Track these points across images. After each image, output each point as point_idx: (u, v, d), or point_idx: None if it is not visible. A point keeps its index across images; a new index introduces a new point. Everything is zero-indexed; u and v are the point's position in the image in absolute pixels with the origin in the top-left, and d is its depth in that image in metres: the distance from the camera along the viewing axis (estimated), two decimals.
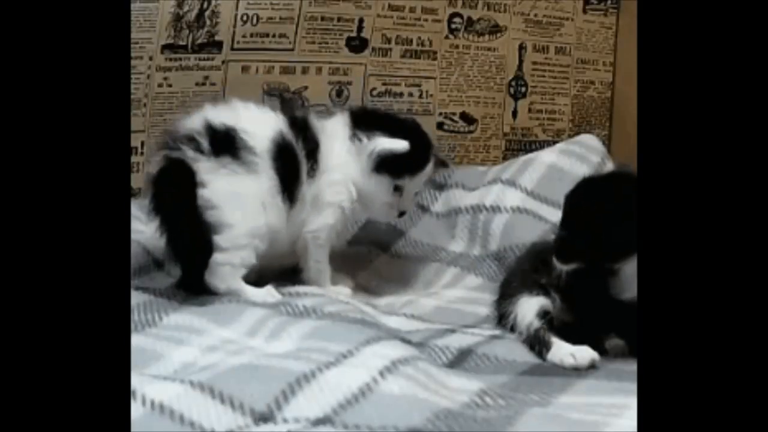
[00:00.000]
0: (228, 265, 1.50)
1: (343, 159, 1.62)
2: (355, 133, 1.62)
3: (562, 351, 1.34)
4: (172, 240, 1.50)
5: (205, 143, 1.50)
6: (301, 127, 1.60)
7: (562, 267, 1.35)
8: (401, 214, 1.69)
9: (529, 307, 1.41)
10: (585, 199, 1.37)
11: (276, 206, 1.54)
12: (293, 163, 1.57)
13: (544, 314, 1.40)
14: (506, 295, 1.48)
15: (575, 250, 1.34)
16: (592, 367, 1.32)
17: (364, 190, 1.63)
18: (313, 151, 1.59)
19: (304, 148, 1.58)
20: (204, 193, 1.49)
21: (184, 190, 1.48)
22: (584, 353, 1.33)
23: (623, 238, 1.26)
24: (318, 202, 1.61)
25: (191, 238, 1.49)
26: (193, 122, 1.53)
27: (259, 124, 1.56)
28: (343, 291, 1.63)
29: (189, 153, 1.49)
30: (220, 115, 1.55)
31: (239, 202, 1.50)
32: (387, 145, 1.60)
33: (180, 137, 1.51)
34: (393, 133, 1.62)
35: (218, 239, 1.49)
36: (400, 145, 1.60)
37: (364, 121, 1.64)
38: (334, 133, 1.63)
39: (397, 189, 1.64)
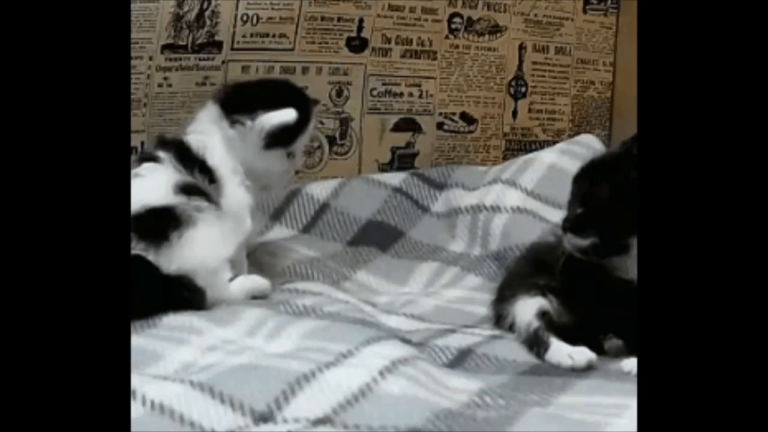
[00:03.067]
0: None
1: (236, 195, 1.52)
2: (234, 119, 1.51)
3: (560, 352, 1.34)
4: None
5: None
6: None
7: (579, 242, 1.36)
8: (295, 173, 1.64)
9: (527, 308, 1.41)
10: (597, 176, 1.39)
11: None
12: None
13: (542, 314, 1.40)
14: (505, 296, 1.48)
15: (591, 226, 1.36)
16: (589, 368, 1.32)
17: (260, 170, 1.54)
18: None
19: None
20: None
21: None
22: (582, 354, 1.33)
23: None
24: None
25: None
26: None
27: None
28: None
29: None
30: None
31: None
32: (274, 120, 1.50)
33: None
34: (271, 104, 1.52)
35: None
36: (288, 115, 1.51)
37: (237, 102, 1.53)
38: (214, 157, 1.51)
39: (290, 155, 1.56)
